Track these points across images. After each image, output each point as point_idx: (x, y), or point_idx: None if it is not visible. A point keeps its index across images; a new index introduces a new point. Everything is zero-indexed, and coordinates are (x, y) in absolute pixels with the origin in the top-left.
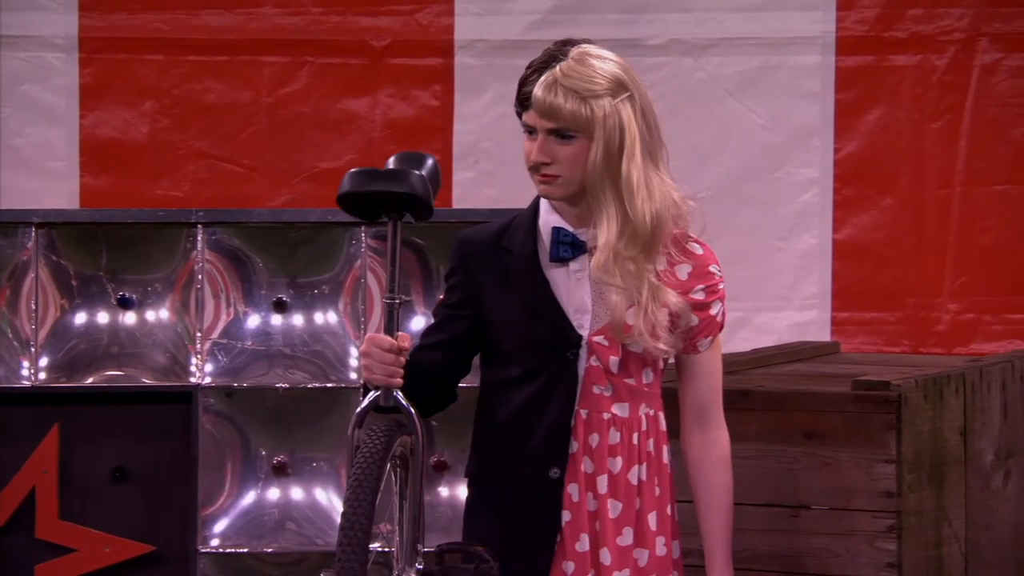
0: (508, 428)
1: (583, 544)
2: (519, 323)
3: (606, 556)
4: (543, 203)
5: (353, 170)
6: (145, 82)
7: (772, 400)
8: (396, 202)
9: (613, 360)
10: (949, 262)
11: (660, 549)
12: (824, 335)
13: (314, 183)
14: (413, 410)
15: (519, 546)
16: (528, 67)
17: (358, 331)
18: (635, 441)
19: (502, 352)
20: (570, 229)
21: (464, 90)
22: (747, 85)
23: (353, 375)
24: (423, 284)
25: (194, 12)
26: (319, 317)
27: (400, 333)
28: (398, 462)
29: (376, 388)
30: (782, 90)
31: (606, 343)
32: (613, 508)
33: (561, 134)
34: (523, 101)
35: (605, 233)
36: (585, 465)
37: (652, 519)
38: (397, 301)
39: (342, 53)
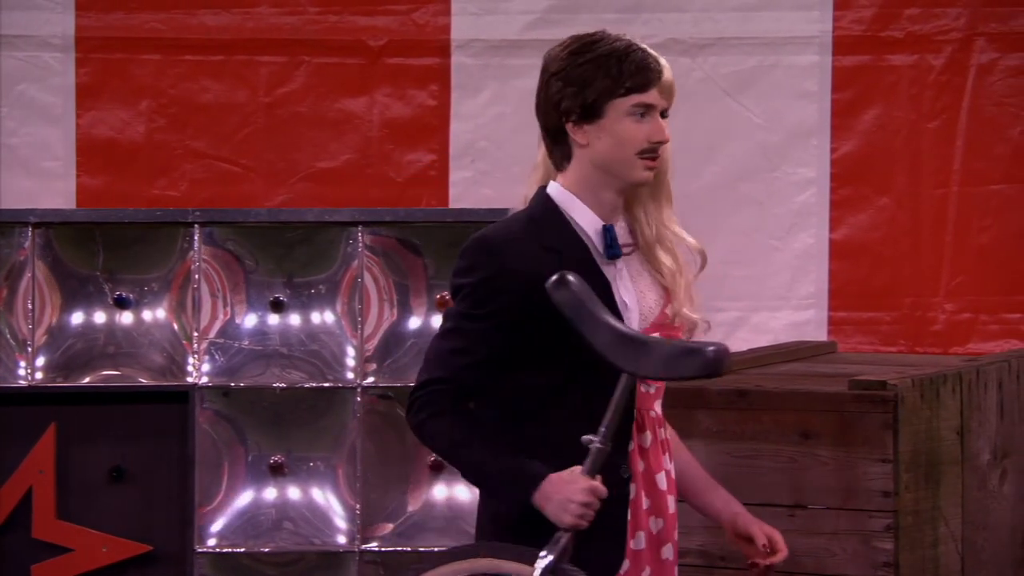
0: (570, 430)
1: (639, 542)
2: None
3: (669, 551)
4: (566, 199)
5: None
6: (142, 82)
7: (769, 399)
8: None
9: None
10: (946, 262)
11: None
12: (821, 335)
13: (311, 183)
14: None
15: (592, 547)
16: (623, 49)
17: (355, 330)
18: (669, 436)
19: (555, 356)
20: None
21: (461, 89)
22: (744, 85)
23: (350, 375)
24: (425, 285)
25: (191, 12)
26: (316, 317)
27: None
28: None
29: (566, 530)
30: (779, 90)
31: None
32: (672, 504)
33: (665, 114)
34: (644, 84)
35: (667, 211)
36: (641, 464)
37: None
38: (607, 450)
39: (339, 53)
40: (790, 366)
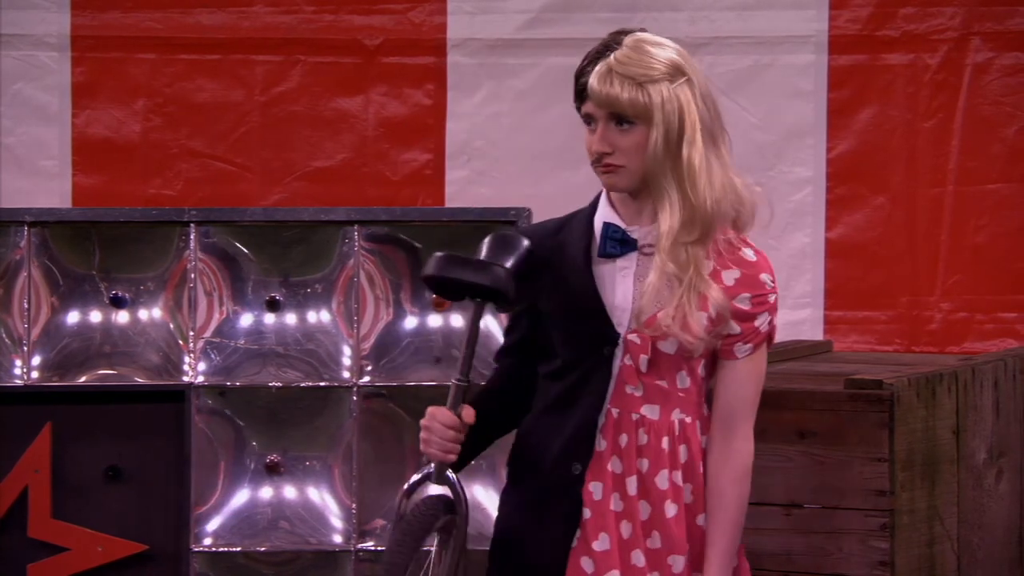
0: (544, 420)
1: (603, 543)
2: (565, 316)
3: (639, 558)
4: (603, 198)
5: (441, 254)
6: (137, 81)
7: (765, 399)
8: (479, 291)
9: (643, 359)
10: (942, 261)
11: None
12: (817, 334)
13: (307, 182)
14: (463, 492)
15: (536, 535)
16: (584, 58)
17: (351, 330)
18: (664, 445)
19: (551, 345)
20: (622, 225)
21: (457, 89)
22: (740, 84)
23: (346, 374)
24: (411, 285)
25: (187, 11)
26: (312, 316)
27: (466, 408)
28: (444, 536)
29: (430, 462)
30: (775, 89)
31: (638, 341)
32: (644, 510)
33: (620, 121)
34: (580, 92)
35: (668, 220)
36: (612, 464)
37: (681, 526)
38: (465, 384)
39: (335, 52)
40: (786, 365)
